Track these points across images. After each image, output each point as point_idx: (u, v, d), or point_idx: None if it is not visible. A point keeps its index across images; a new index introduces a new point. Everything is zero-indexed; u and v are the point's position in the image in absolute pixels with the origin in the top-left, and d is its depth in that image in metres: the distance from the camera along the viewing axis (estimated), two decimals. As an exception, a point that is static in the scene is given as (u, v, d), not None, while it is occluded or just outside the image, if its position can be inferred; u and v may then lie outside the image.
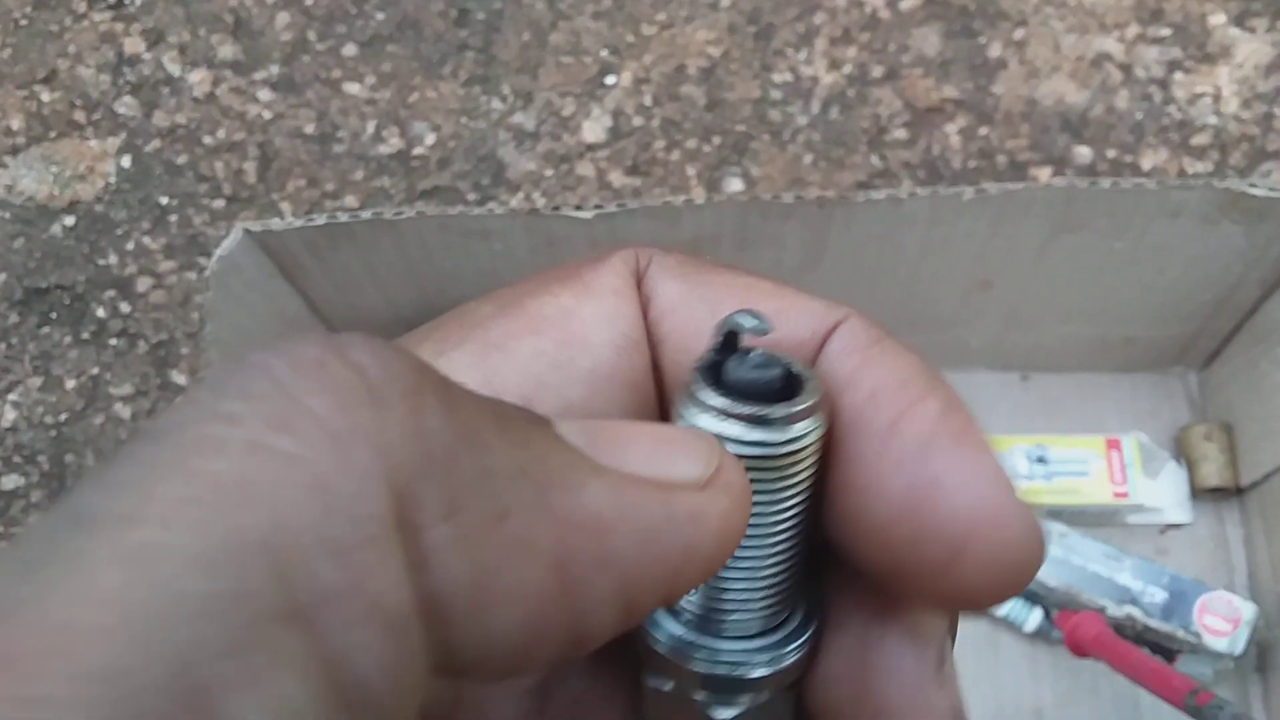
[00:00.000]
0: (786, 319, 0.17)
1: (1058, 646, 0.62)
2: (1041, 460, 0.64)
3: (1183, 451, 0.66)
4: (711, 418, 0.15)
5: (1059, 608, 0.62)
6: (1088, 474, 0.63)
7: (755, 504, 0.14)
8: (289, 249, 0.58)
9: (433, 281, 0.61)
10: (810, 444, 0.15)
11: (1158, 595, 0.60)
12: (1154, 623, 0.60)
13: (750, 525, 0.14)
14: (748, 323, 0.15)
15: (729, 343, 0.15)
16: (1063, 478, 0.63)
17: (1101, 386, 0.68)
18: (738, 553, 0.15)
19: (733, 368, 0.15)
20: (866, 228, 0.57)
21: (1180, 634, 0.60)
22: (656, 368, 0.18)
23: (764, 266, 0.60)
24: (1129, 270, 0.60)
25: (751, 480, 0.14)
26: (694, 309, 0.17)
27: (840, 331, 0.17)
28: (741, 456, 0.14)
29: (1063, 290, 0.62)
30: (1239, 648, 0.59)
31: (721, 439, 0.14)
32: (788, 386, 0.15)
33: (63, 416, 0.75)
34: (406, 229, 0.56)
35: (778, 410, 0.14)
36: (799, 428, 0.15)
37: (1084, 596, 0.60)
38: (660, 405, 0.18)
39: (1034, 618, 0.62)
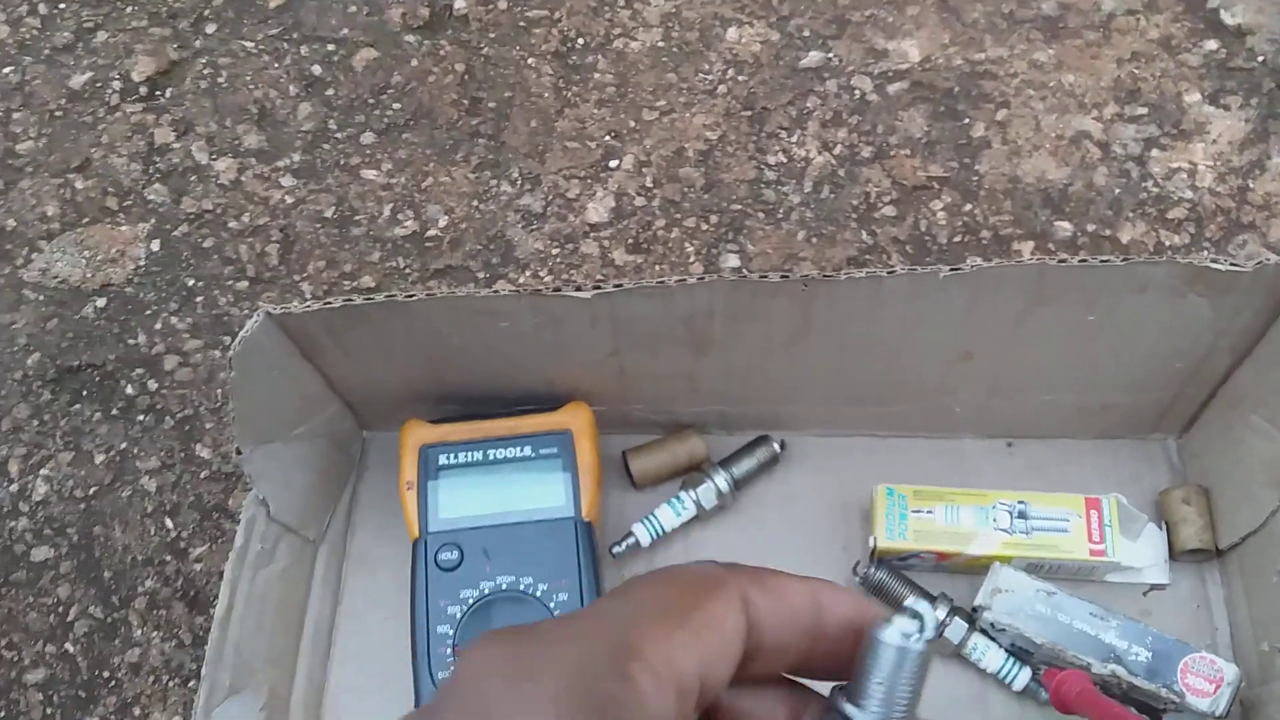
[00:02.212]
0: (831, 598, 0.28)
1: (1046, 705, 0.64)
2: (1022, 515, 0.66)
3: (1163, 514, 0.68)
4: (888, 630, 0.27)
5: (1045, 665, 0.64)
6: (1068, 530, 0.66)
7: (904, 680, 0.27)
8: (308, 330, 0.61)
9: (443, 358, 0.64)
10: (929, 656, 0.27)
11: (1142, 655, 0.62)
12: (1138, 681, 0.62)
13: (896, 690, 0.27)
14: (923, 611, 0.28)
15: (913, 615, 0.27)
16: (1042, 533, 0.66)
17: (1083, 452, 0.71)
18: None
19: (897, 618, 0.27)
20: (850, 304, 0.60)
21: (1164, 693, 0.62)
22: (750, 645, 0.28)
23: (755, 340, 0.63)
24: (1103, 341, 0.63)
25: (905, 667, 0.27)
26: (780, 612, 0.28)
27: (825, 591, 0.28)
28: (899, 657, 0.27)
29: (1041, 360, 0.65)
30: (1220, 708, 0.61)
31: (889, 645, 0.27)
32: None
33: (92, 490, 0.79)
34: (418, 310, 0.60)
35: (920, 637, 0.27)
36: (927, 648, 0.27)
37: (1069, 654, 0.62)
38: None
39: (1023, 676, 0.65)
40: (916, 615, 0.28)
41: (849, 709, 0.28)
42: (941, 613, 0.65)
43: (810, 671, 0.29)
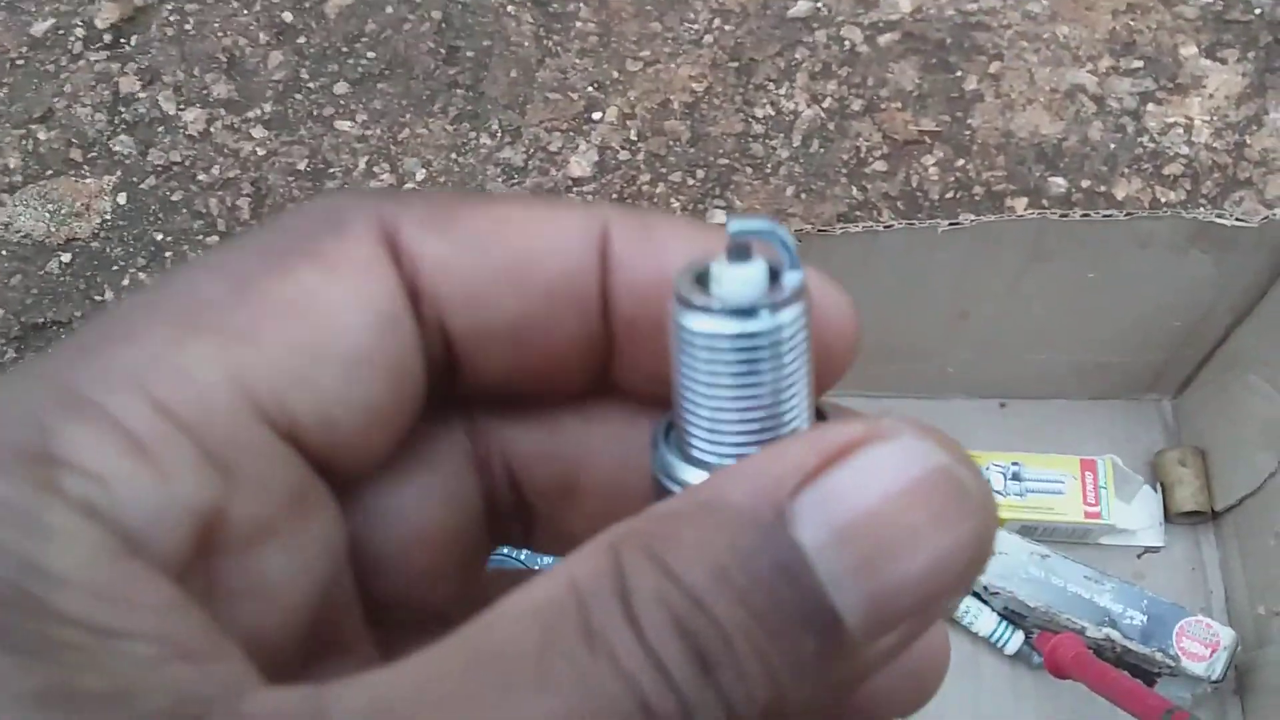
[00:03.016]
0: (561, 231, 0.17)
1: (1039, 670, 0.63)
2: (1016, 477, 0.65)
3: (1158, 476, 0.67)
4: (706, 317, 0.15)
5: (1039, 629, 0.63)
6: (1062, 492, 0.65)
7: (752, 386, 0.16)
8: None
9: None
10: (795, 326, 0.16)
11: (1137, 618, 0.61)
12: (1133, 645, 0.61)
13: (750, 405, 0.16)
14: (748, 226, 0.15)
15: (733, 254, 0.15)
16: (1037, 494, 0.65)
17: (1077, 412, 0.70)
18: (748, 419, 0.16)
19: (718, 270, 0.15)
20: (844, 260, 0.58)
21: (1159, 657, 0.61)
22: (432, 328, 0.17)
23: (745, 298, 0.61)
24: (1102, 299, 0.61)
25: (746, 362, 0.15)
26: (467, 263, 0.17)
27: (617, 229, 0.17)
28: (736, 345, 0.15)
29: (1038, 319, 0.63)
30: (1216, 672, 0.60)
31: (712, 335, 0.15)
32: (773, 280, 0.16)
33: (59, 451, 0.76)
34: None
35: (763, 301, 0.15)
36: (784, 314, 0.15)
37: (1063, 617, 0.61)
38: (428, 375, 0.17)
39: (1015, 640, 0.64)
40: (744, 252, 0.15)
41: (668, 460, 0.16)
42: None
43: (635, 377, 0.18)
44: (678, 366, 0.16)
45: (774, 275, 0.16)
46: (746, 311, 0.15)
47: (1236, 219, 0.55)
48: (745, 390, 0.15)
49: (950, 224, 0.56)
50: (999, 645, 0.64)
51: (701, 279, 0.16)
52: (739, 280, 0.15)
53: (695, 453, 0.16)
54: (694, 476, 0.16)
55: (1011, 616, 0.64)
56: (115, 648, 0.13)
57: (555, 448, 0.19)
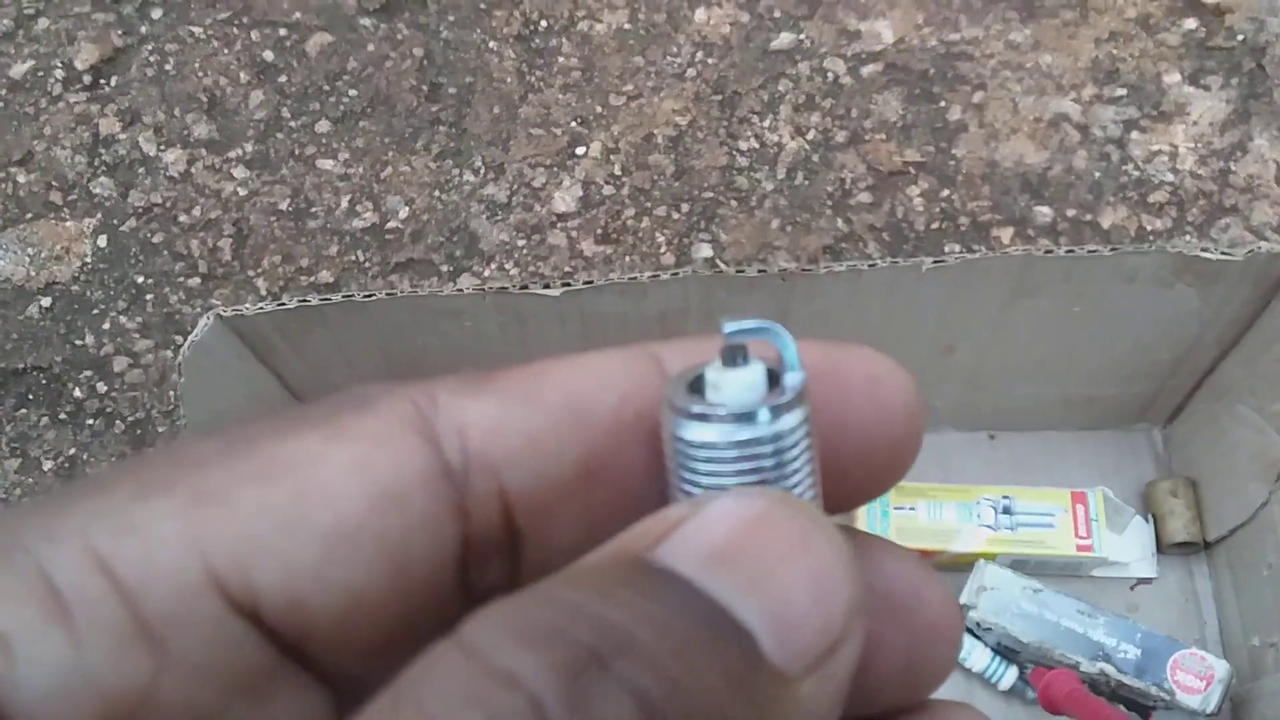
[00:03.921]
0: (611, 364, 0.16)
1: (1033, 706, 0.63)
2: (1007, 511, 0.65)
3: (1149, 507, 0.67)
4: (706, 426, 0.14)
5: (1032, 664, 0.62)
6: (1053, 526, 0.64)
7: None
8: (261, 332, 0.58)
9: (405, 360, 0.61)
10: (799, 431, 0.15)
11: (1131, 652, 0.61)
12: (1127, 679, 0.60)
13: None
14: (745, 326, 0.15)
15: (728, 358, 0.15)
16: (1028, 528, 0.64)
17: (1066, 444, 0.69)
18: None
19: (713, 375, 0.15)
20: (829, 298, 0.58)
21: (1154, 691, 0.60)
22: (486, 500, 0.15)
23: (731, 337, 0.61)
24: (1088, 332, 0.61)
25: (751, 471, 0.14)
26: (518, 414, 0.15)
27: (667, 354, 0.16)
28: (737, 454, 0.15)
29: (1024, 352, 0.63)
30: (1212, 705, 0.59)
31: (710, 444, 0.15)
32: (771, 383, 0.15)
33: (41, 499, 0.75)
34: (377, 310, 0.57)
35: (764, 405, 0.14)
36: (787, 419, 0.15)
37: (1057, 652, 0.61)
38: (464, 556, 0.15)
39: (1009, 676, 0.63)
40: (740, 355, 0.15)
41: None
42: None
43: None
44: (675, 481, 0.15)
45: (773, 379, 0.15)
46: (747, 416, 0.14)
47: (1222, 252, 0.55)
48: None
49: (935, 261, 0.55)
50: (992, 681, 0.63)
51: (695, 386, 0.15)
52: (737, 384, 0.14)
53: None
54: None
55: (1005, 652, 0.63)
56: None
57: None
